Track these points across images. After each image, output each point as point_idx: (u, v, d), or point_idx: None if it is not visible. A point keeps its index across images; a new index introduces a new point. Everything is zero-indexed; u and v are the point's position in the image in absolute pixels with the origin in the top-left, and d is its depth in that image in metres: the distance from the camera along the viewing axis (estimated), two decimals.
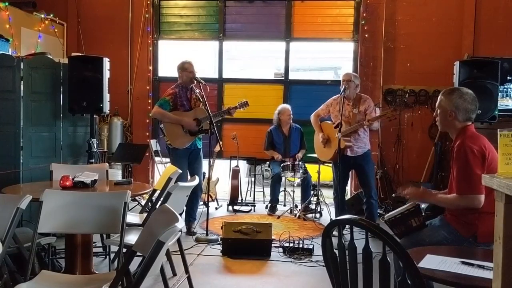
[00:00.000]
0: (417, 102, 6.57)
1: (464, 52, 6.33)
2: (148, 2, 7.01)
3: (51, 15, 6.63)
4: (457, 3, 6.45)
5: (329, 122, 5.19)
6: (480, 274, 1.91)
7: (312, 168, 6.24)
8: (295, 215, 5.93)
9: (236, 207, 6.30)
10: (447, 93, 2.79)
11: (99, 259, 4.12)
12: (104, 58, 5.11)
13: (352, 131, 4.85)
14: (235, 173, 6.40)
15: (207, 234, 4.78)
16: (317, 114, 5.24)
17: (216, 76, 7.12)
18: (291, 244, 4.41)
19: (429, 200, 2.82)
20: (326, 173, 6.04)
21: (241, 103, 5.14)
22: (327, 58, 9.11)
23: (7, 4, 5.77)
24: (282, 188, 6.31)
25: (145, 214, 3.78)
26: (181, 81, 4.99)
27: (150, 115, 6.61)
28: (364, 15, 6.64)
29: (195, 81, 4.85)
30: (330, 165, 5.31)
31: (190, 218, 5.05)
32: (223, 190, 6.95)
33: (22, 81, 4.64)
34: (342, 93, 4.79)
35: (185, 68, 4.94)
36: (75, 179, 3.37)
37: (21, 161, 4.61)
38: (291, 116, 6.34)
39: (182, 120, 4.88)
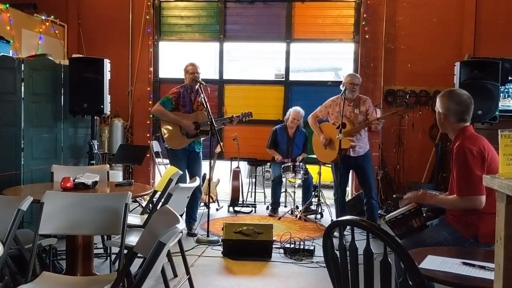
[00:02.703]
0: (418, 102, 6.57)
1: (465, 52, 6.33)
2: (149, 3, 7.01)
3: (52, 17, 6.64)
4: (457, 4, 6.45)
5: (328, 123, 5.16)
6: (481, 275, 1.91)
7: (313, 169, 6.24)
8: (296, 216, 5.93)
9: (237, 208, 6.30)
10: (440, 96, 2.83)
11: (100, 260, 4.11)
12: (104, 60, 5.12)
13: (357, 130, 4.84)
14: (235, 174, 6.40)
15: (208, 235, 4.78)
16: (315, 116, 5.22)
17: (216, 77, 7.12)
18: (292, 245, 4.41)
19: (429, 203, 2.81)
20: (327, 174, 6.02)
21: (245, 114, 5.15)
22: (328, 59, 9.13)
23: (8, 5, 5.77)
24: (283, 189, 6.30)
25: (146, 216, 3.78)
26: (186, 82, 5.01)
27: (151, 114, 6.62)
28: (365, 16, 6.64)
29: (198, 83, 4.86)
30: (330, 166, 5.29)
31: (190, 219, 5.05)
32: (224, 191, 6.96)
33: (22, 83, 4.65)
34: (343, 94, 4.79)
35: (187, 70, 4.98)
36: (75, 180, 3.37)
37: (22, 162, 4.62)
38: (297, 121, 6.20)
39: (181, 122, 4.88)
